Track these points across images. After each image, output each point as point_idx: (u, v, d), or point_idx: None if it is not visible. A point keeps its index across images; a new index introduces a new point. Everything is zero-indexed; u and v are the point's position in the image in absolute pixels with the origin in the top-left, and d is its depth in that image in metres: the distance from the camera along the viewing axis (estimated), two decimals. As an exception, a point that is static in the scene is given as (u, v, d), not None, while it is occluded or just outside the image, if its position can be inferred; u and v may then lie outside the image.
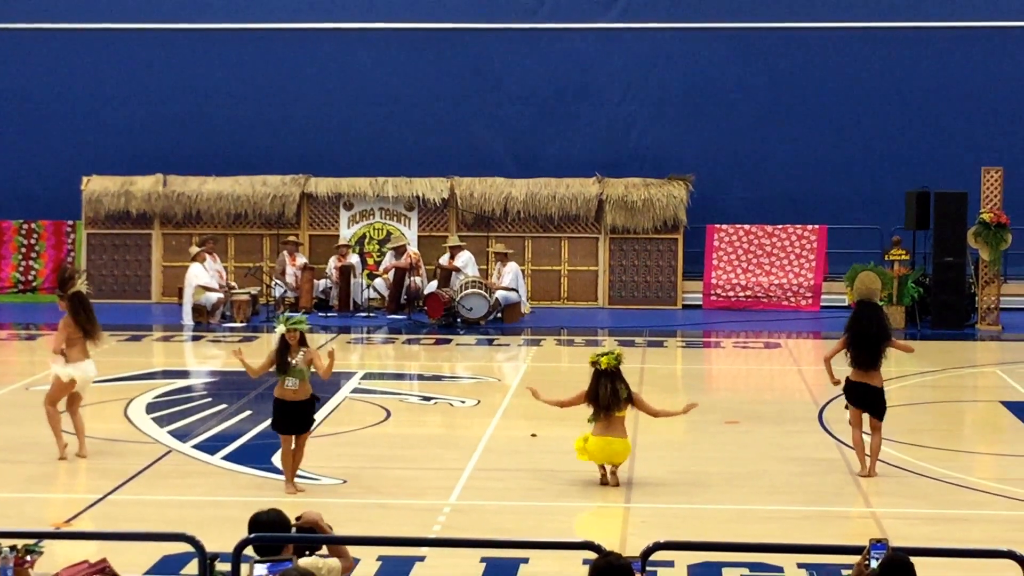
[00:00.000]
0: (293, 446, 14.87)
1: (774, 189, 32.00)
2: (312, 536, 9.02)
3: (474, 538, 12.55)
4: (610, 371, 15.10)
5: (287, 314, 15.38)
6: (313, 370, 14.90)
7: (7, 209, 32.23)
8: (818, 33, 32.25)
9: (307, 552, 9.03)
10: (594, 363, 15.25)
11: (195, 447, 17.03)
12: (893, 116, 31.96)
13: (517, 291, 28.90)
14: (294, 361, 14.85)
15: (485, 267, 29.85)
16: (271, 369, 15.07)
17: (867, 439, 15.71)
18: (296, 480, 14.86)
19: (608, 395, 15.04)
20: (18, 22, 33.19)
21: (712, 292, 30.95)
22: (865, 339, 15.64)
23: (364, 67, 32.80)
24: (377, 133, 32.54)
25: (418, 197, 31.05)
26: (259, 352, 25.74)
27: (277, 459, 15.25)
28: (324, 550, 9.26)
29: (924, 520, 14.05)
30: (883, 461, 15.93)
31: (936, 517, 14.18)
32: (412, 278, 29.72)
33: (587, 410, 15.32)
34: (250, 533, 9.07)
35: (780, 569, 11.95)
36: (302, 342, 15.00)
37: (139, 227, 31.57)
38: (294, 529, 9.14)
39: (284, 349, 14.92)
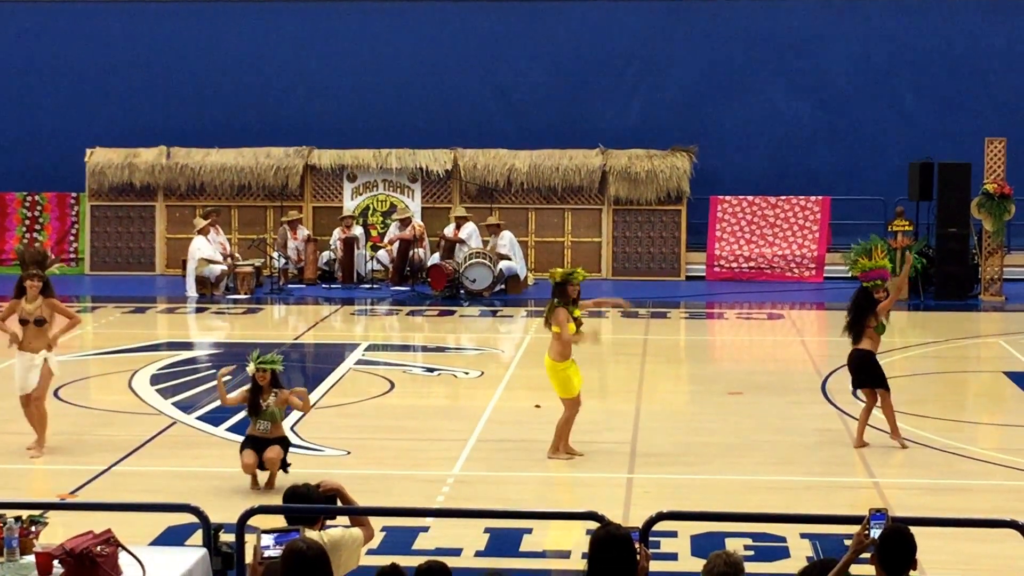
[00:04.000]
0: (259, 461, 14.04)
1: (777, 160, 31.98)
2: (321, 507, 9.01)
3: (478, 508, 12.61)
4: (554, 284, 15.10)
5: (257, 353, 14.15)
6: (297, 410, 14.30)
7: (11, 181, 32.22)
8: (822, 3, 32.18)
9: (325, 521, 9.02)
10: (552, 276, 15.25)
11: (199, 418, 17.08)
12: (896, 87, 31.91)
13: (512, 257, 28.74)
14: (265, 404, 14.00)
15: (489, 239, 29.84)
16: (242, 403, 14.31)
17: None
18: (298, 453, 14.83)
19: (546, 310, 15.19)
20: (21, -6, 33.18)
21: (715, 263, 30.95)
22: (850, 320, 15.77)
23: (367, 39, 32.74)
24: (380, 105, 32.49)
25: (421, 169, 31.04)
26: (263, 323, 25.80)
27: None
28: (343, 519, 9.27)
29: (926, 490, 14.09)
30: (886, 431, 15.93)
31: (938, 487, 14.22)
32: (416, 249, 29.73)
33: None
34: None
35: (783, 539, 11.99)
36: (275, 383, 14.03)
37: (143, 199, 31.57)
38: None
39: (255, 390, 14.01)
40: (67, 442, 15.75)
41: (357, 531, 8.93)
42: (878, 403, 15.69)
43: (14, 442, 15.64)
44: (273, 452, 13.94)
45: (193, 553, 9.00)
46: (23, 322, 15.08)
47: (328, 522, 9.07)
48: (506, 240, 28.95)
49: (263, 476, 14.04)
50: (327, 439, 15.88)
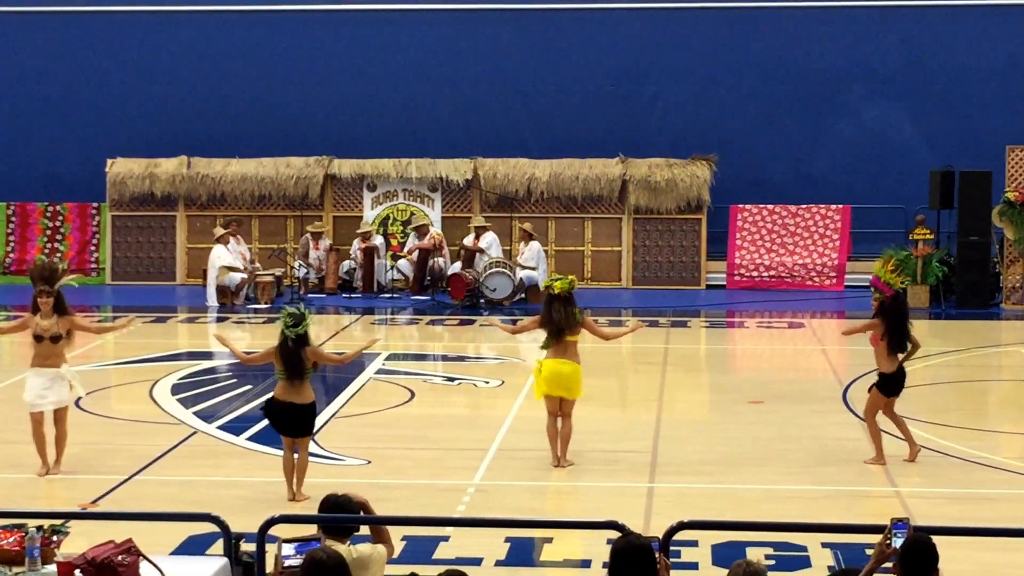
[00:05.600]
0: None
1: (798, 169, 31.92)
2: (341, 516, 9.01)
3: (498, 518, 12.59)
4: (563, 296, 15.16)
5: (297, 311, 14.02)
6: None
7: (32, 192, 32.32)
8: (841, 12, 32.13)
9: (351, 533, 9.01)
10: (547, 287, 15.39)
11: (220, 428, 17.09)
12: (918, 95, 31.83)
13: (537, 269, 28.80)
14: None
15: (509, 248, 29.86)
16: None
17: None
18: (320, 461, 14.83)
19: (561, 318, 15.09)
20: (43, 5, 33.24)
21: (736, 272, 30.91)
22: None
23: (388, 49, 32.78)
24: (401, 114, 32.51)
25: (442, 178, 31.05)
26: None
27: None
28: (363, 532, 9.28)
29: (948, 499, 14.05)
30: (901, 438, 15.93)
31: (960, 496, 14.17)
32: (436, 259, 29.74)
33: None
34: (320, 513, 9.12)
35: (804, 548, 11.97)
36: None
37: (164, 209, 31.64)
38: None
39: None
40: (88, 452, 15.78)
41: (383, 548, 8.95)
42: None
43: (34, 453, 15.65)
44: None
45: (214, 562, 9.00)
46: (38, 339, 14.78)
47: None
48: (533, 252, 29.00)
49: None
50: (348, 448, 15.89)
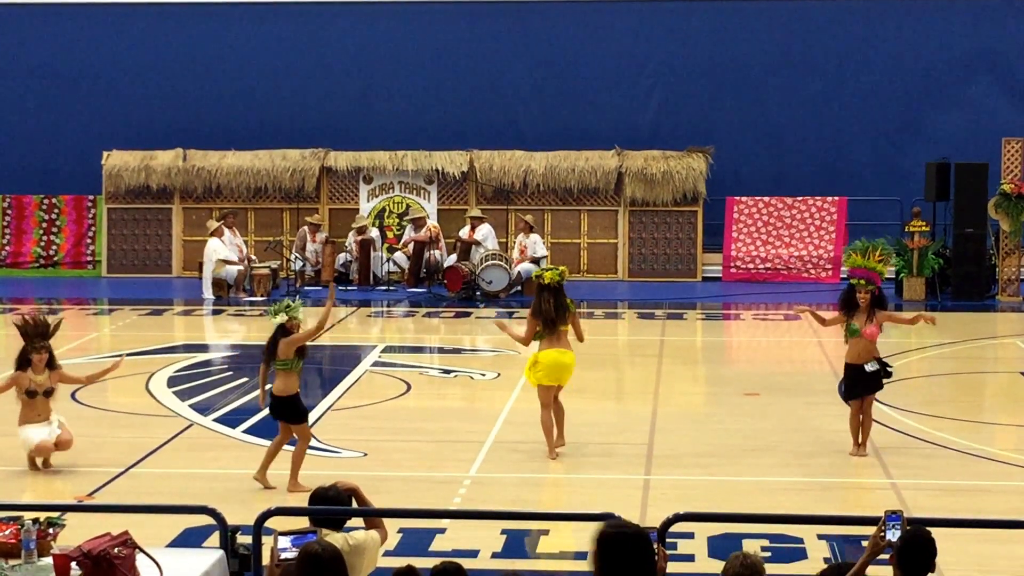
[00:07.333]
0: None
1: (794, 161, 31.92)
2: (337, 509, 9.01)
3: (494, 510, 12.60)
4: (553, 286, 15.15)
5: (284, 302, 14.09)
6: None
7: (28, 184, 32.30)
8: (838, 3, 32.13)
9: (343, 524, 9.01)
10: (538, 277, 15.38)
11: (216, 420, 17.09)
12: (913, 87, 31.84)
13: (539, 263, 28.78)
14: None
15: (505, 240, 29.86)
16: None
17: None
18: (316, 452, 14.82)
19: (552, 309, 15.09)
20: (37, -3, 33.27)
21: (732, 264, 30.92)
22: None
23: (383, 40, 32.76)
24: (396, 106, 32.52)
25: (437, 170, 31.05)
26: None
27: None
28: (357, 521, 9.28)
29: (944, 491, 14.05)
30: (903, 432, 15.94)
31: (955, 488, 14.18)
32: (432, 251, 29.75)
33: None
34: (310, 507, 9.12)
35: (800, 540, 11.97)
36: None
37: (159, 202, 31.63)
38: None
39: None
40: (84, 444, 15.74)
41: (375, 533, 8.96)
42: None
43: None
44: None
45: (210, 555, 9.01)
46: (31, 394, 14.67)
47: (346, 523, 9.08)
48: (534, 245, 28.99)
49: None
50: (344, 441, 15.89)
